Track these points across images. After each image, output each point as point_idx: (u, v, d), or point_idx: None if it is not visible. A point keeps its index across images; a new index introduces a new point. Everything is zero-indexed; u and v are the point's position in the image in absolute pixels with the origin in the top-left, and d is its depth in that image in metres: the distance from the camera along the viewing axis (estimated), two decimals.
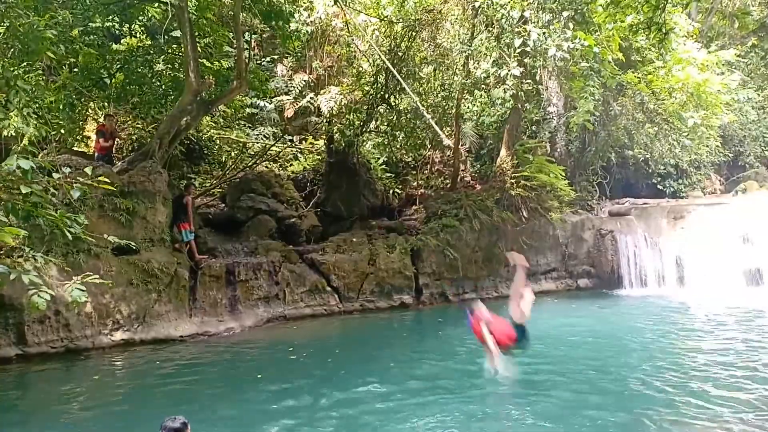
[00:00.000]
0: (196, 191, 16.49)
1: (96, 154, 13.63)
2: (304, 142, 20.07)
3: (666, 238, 17.78)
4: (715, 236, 16.84)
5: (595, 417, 7.08)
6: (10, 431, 7.33)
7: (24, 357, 10.16)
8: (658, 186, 23.75)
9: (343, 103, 17.07)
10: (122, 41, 14.96)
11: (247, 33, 16.16)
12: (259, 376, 9.48)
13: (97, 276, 10.51)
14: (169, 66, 15.03)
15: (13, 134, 10.38)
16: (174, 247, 12.91)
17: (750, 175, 23.92)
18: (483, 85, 18.62)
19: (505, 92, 17.71)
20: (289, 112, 19.47)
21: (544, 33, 12.57)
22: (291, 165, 18.96)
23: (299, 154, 19.47)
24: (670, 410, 7.30)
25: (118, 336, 11.25)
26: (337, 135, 17.29)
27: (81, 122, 15.36)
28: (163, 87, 15.07)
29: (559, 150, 20.10)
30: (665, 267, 17.43)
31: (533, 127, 20.26)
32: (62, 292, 6.76)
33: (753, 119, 23.26)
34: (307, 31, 17.31)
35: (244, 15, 14.67)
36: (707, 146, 19.80)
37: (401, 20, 16.51)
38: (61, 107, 12.99)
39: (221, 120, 19.31)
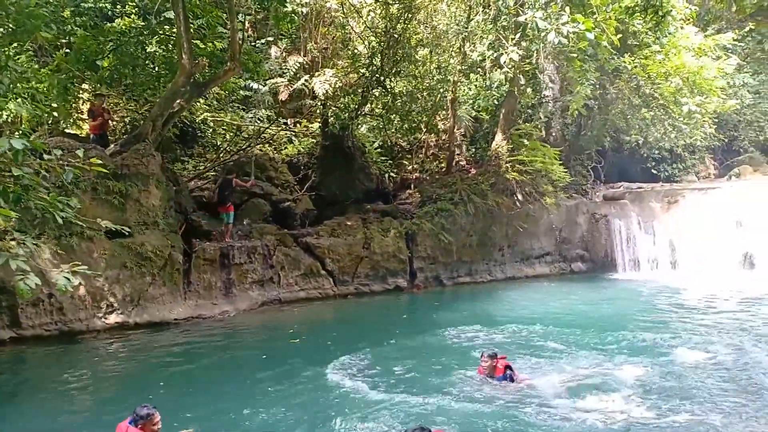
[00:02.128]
0: (190, 174, 16.43)
1: (91, 136, 13.56)
2: (298, 125, 19.94)
3: (660, 222, 17.87)
4: (708, 220, 16.93)
5: None
6: (4, 414, 7.33)
7: (18, 340, 10.16)
8: (653, 170, 23.80)
9: (337, 86, 16.93)
10: (115, 22, 14.76)
11: (240, 14, 15.96)
12: (264, 357, 9.63)
13: (91, 259, 10.62)
14: (162, 47, 14.85)
15: (10, 120, 10.32)
16: (213, 234, 13.63)
17: (744, 160, 24.00)
18: (479, 68, 18.51)
19: (501, 75, 17.62)
20: (283, 95, 19.33)
21: (546, 19, 12.42)
22: (285, 148, 18.83)
23: (294, 138, 19.34)
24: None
25: (113, 319, 11.25)
26: (331, 118, 17.18)
27: (74, 105, 15.21)
28: (156, 69, 14.90)
29: (554, 134, 20.07)
30: (659, 251, 17.55)
31: (529, 111, 20.19)
32: (54, 276, 6.72)
33: (748, 104, 23.24)
34: (301, 12, 17.12)
35: None
36: (702, 131, 19.79)
37: (397, 1, 16.34)
38: (54, 90, 12.86)
39: (215, 102, 19.13)
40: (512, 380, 7.70)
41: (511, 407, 7.00)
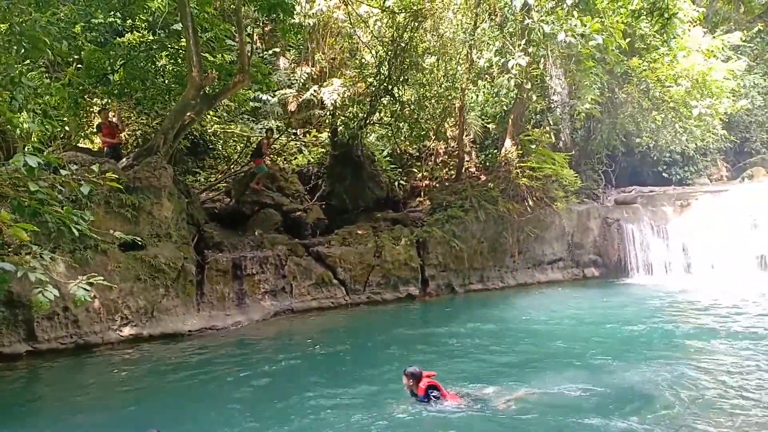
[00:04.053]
0: (201, 186, 16.55)
1: (104, 150, 13.74)
2: (307, 135, 20.05)
3: (672, 226, 17.72)
4: (722, 223, 16.78)
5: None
6: (21, 428, 7.36)
7: (34, 353, 10.21)
8: (664, 174, 23.66)
9: (346, 95, 17.01)
10: (124, 37, 14.96)
11: (248, 26, 16.11)
12: (278, 368, 9.52)
13: (105, 272, 10.69)
14: (172, 61, 15.02)
15: (23, 134, 10.45)
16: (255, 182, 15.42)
17: (756, 161, 23.81)
18: (486, 75, 18.55)
19: (509, 81, 17.64)
20: (292, 106, 19.47)
21: (553, 22, 12.40)
22: (295, 158, 18.93)
23: (303, 148, 19.45)
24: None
25: (127, 331, 11.29)
26: (340, 127, 17.25)
27: (86, 119, 15.39)
28: (167, 82, 15.06)
29: (564, 139, 20.01)
30: (672, 255, 17.39)
31: (538, 117, 20.18)
32: (70, 289, 6.76)
33: (759, 105, 23.08)
34: (308, 24, 17.25)
35: (246, 8, 14.62)
36: (713, 133, 19.67)
37: (403, 10, 16.42)
38: (66, 105, 13.02)
39: (225, 114, 19.30)
40: (435, 401, 7.00)
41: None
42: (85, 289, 6.28)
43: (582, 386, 7.78)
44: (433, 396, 7.00)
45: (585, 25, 11.88)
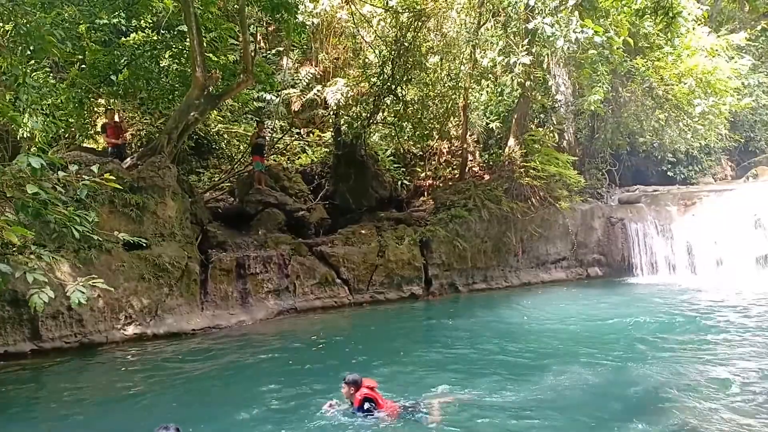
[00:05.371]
0: (205, 185, 16.59)
1: (109, 149, 13.81)
2: (311, 134, 20.08)
3: (677, 225, 17.68)
4: (726, 222, 16.72)
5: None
6: (25, 427, 7.40)
7: (39, 352, 10.26)
8: (668, 173, 23.60)
9: (349, 95, 17.03)
10: (129, 37, 15.00)
11: (252, 26, 16.14)
12: (282, 368, 9.51)
13: (109, 272, 10.74)
14: (176, 61, 15.06)
15: (27, 135, 10.50)
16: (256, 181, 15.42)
17: (761, 161, 23.72)
18: (490, 74, 18.53)
19: (512, 81, 17.63)
20: (295, 105, 19.50)
21: (555, 24, 12.38)
22: (299, 158, 18.96)
23: (307, 147, 19.48)
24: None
25: (131, 330, 11.34)
26: (344, 127, 17.27)
27: (90, 119, 15.45)
28: (170, 82, 15.10)
29: (567, 138, 19.98)
30: (676, 254, 17.35)
31: (541, 116, 20.14)
32: (67, 291, 6.78)
33: (764, 104, 22.97)
34: (312, 23, 17.26)
35: (250, 8, 14.65)
36: (717, 132, 19.60)
37: (407, 10, 16.43)
38: (70, 105, 13.07)
39: (228, 114, 19.33)
40: (369, 413, 6.78)
41: None
42: (81, 291, 6.28)
43: (585, 385, 7.79)
44: (367, 408, 6.82)
45: (586, 28, 11.83)
